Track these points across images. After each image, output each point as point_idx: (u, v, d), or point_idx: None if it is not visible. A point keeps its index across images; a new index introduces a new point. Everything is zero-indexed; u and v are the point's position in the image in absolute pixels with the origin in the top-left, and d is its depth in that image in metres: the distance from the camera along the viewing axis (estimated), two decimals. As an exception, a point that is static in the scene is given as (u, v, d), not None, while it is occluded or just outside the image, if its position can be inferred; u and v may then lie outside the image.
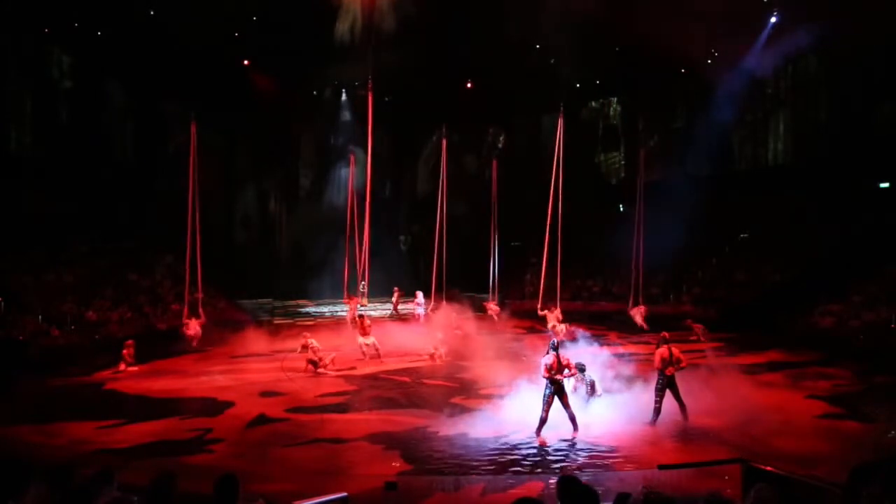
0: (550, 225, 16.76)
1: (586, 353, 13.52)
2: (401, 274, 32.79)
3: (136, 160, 27.53)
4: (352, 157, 21.58)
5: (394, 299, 26.21)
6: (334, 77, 29.01)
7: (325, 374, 14.50)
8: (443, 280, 21.43)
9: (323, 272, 31.19)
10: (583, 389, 11.08)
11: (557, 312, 17.62)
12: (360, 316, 16.79)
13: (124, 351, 15.20)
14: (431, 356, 16.06)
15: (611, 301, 25.35)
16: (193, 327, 16.93)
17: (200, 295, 17.64)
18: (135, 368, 15.00)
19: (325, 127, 32.08)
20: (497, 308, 21.43)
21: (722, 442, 9.13)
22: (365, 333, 16.04)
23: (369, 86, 14.90)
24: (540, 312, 15.73)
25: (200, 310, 17.40)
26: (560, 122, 15.15)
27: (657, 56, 22.61)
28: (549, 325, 17.30)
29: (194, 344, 16.86)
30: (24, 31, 22.17)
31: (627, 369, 13.08)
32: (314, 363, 14.66)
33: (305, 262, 31.30)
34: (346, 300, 21.16)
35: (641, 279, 19.51)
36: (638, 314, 19.68)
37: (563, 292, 27.73)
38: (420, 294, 24.57)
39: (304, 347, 17.06)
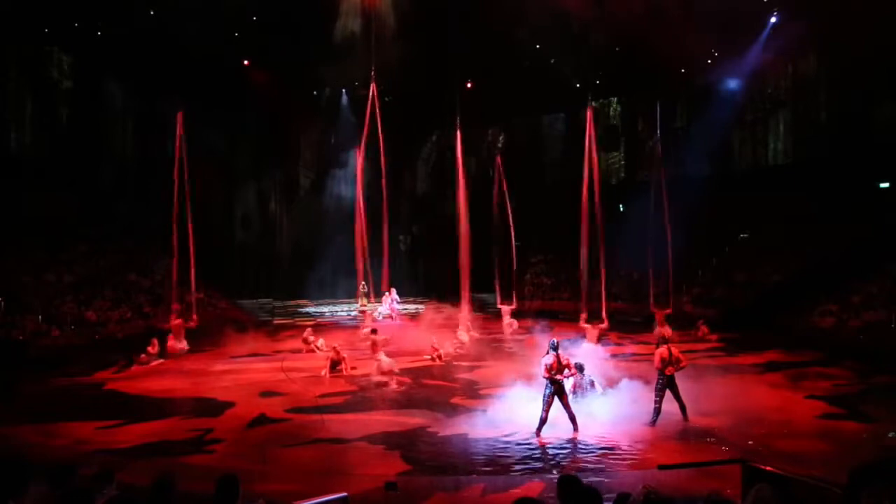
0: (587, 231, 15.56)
1: (585, 353, 13.60)
2: (401, 274, 32.83)
3: (136, 160, 27.53)
4: (359, 155, 21.04)
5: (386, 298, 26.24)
6: (334, 77, 29.00)
7: (343, 374, 14.23)
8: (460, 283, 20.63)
9: (323, 272, 31.26)
10: (588, 390, 11.08)
11: (597, 330, 15.59)
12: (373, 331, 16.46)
13: (149, 348, 15.52)
14: (434, 357, 16.07)
15: (610, 301, 25.34)
16: (177, 332, 16.04)
17: (197, 296, 17.34)
18: (142, 368, 15.08)
19: (326, 127, 32.11)
20: (514, 322, 20.48)
21: (722, 442, 9.13)
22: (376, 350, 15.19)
23: (372, 80, 14.82)
24: (582, 325, 14.96)
25: (195, 315, 16.58)
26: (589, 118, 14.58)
27: (657, 56, 22.61)
28: (587, 340, 15.38)
29: (178, 348, 16.07)
30: (24, 30, 22.17)
31: (627, 369, 13.11)
32: (335, 364, 14.41)
33: (306, 262, 31.37)
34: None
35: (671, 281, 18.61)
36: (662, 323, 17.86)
37: (562, 292, 27.87)
38: (394, 290, 24.89)
39: (305, 341, 17.54)
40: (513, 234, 21.29)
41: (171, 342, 16.18)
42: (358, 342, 18.73)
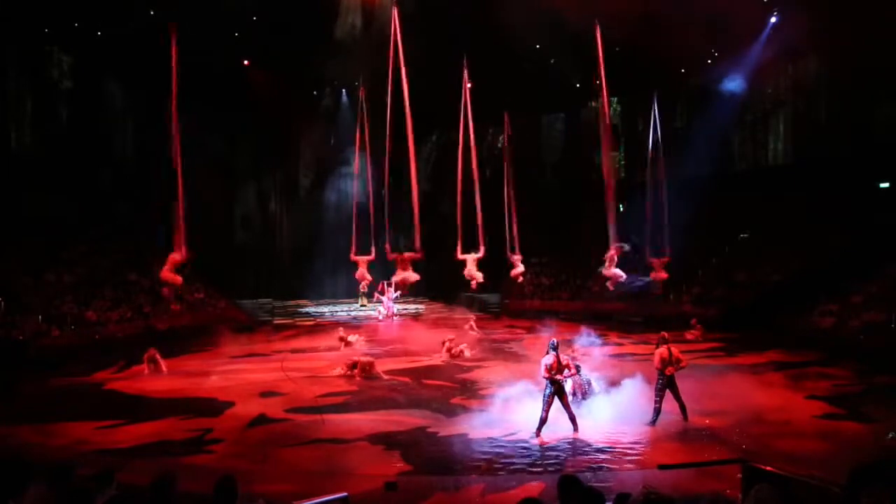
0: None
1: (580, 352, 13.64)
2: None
3: (136, 160, 27.52)
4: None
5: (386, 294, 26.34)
6: (335, 76, 28.98)
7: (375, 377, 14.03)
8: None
9: (323, 272, 31.32)
10: (588, 389, 11.07)
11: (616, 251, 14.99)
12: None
13: (146, 355, 15.01)
14: (451, 349, 16.21)
15: (610, 301, 25.38)
16: (171, 266, 14.64)
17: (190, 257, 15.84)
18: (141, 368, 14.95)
19: (326, 127, 32.11)
20: (522, 268, 19.27)
21: (722, 442, 9.14)
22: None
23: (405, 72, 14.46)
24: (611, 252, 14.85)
25: (184, 249, 14.66)
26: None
27: (657, 56, 22.60)
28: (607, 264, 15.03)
29: (171, 292, 15.45)
30: (24, 30, 22.16)
31: (627, 369, 13.12)
32: (356, 367, 14.17)
33: (306, 262, 31.43)
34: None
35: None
36: (658, 268, 18.77)
37: (562, 292, 27.86)
38: (392, 287, 24.92)
39: (341, 339, 18.15)
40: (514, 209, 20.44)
41: (165, 274, 14.91)
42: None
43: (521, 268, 18.99)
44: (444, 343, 16.48)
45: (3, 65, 22.76)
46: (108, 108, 26.66)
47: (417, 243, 13.60)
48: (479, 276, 15.90)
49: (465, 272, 15.95)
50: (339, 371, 14.22)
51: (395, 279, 13.46)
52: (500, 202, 20.99)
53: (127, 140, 27.86)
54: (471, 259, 16.20)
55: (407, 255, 13.72)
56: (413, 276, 13.57)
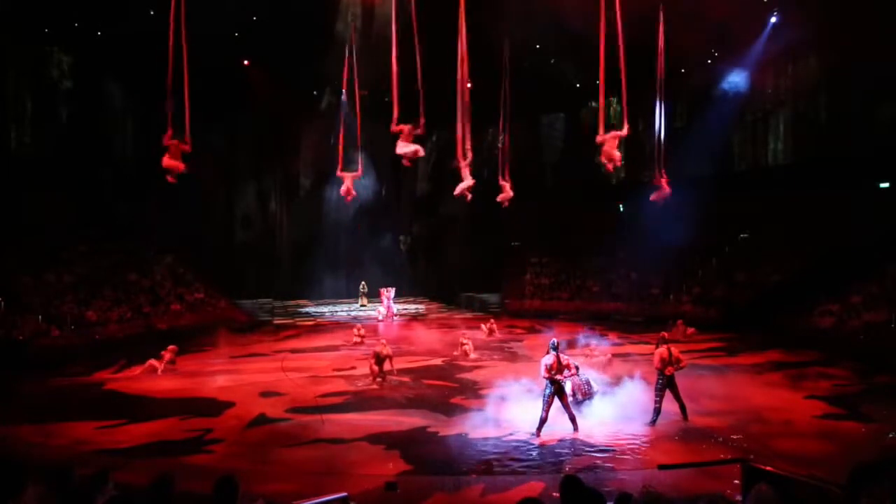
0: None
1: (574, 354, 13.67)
2: (401, 274, 32.75)
3: (136, 160, 27.48)
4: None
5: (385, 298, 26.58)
6: (334, 76, 28.94)
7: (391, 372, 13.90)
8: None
9: (322, 272, 31.28)
10: (587, 388, 11.07)
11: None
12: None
13: (166, 355, 14.96)
14: (464, 350, 16.44)
15: (611, 301, 25.40)
16: (174, 153, 14.19)
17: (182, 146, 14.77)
18: (137, 370, 14.92)
19: (326, 127, 32.06)
20: (510, 192, 18.44)
21: (722, 442, 9.14)
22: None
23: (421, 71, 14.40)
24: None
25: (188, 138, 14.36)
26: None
27: (656, 56, 22.55)
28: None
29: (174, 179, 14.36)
30: (24, 30, 22.14)
31: (627, 369, 13.12)
32: (380, 361, 13.83)
33: (306, 262, 31.41)
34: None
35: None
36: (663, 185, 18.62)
37: (562, 292, 27.87)
38: (392, 290, 25.05)
39: (358, 334, 18.64)
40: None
41: (167, 161, 14.33)
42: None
43: (509, 193, 19.04)
44: (462, 343, 16.84)
45: (3, 65, 22.74)
46: (108, 108, 26.61)
47: (422, 120, 13.64)
48: (471, 182, 15.71)
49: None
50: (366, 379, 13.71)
51: (399, 150, 13.38)
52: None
53: (127, 140, 27.79)
54: (464, 165, 16.14)
55: (407, 126, 13.66)
56: (412, 146, 13.41)
